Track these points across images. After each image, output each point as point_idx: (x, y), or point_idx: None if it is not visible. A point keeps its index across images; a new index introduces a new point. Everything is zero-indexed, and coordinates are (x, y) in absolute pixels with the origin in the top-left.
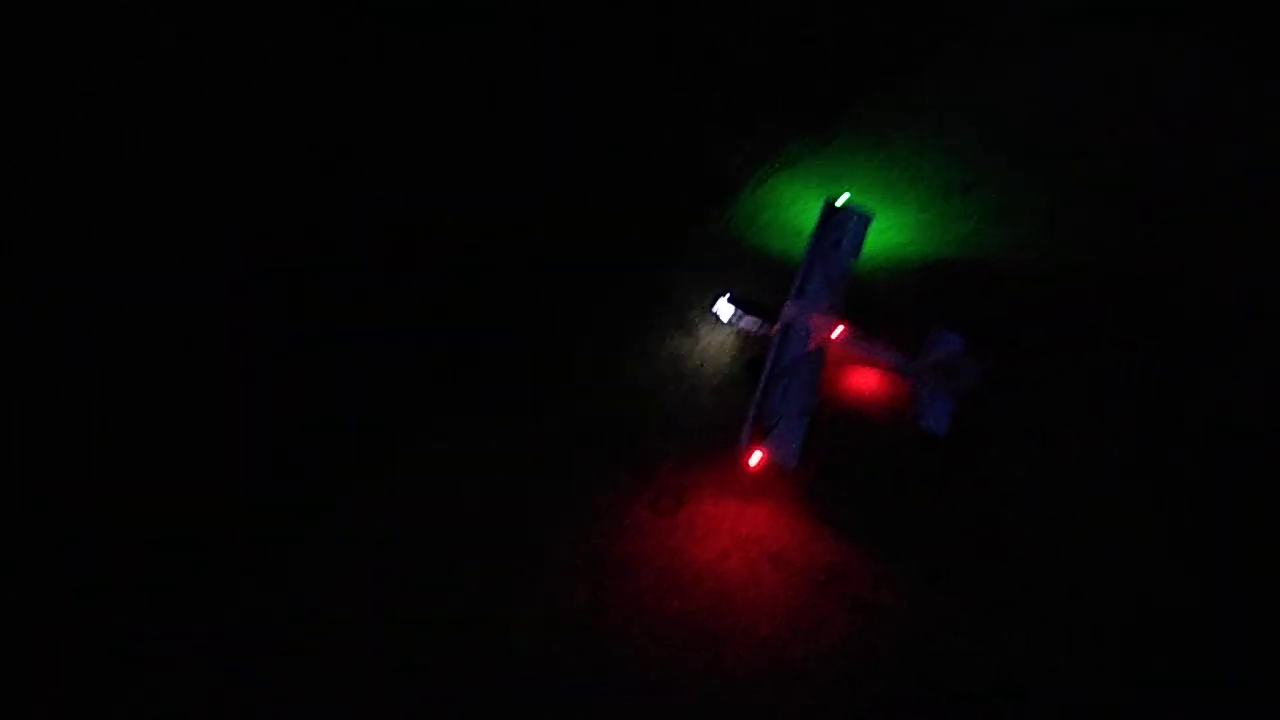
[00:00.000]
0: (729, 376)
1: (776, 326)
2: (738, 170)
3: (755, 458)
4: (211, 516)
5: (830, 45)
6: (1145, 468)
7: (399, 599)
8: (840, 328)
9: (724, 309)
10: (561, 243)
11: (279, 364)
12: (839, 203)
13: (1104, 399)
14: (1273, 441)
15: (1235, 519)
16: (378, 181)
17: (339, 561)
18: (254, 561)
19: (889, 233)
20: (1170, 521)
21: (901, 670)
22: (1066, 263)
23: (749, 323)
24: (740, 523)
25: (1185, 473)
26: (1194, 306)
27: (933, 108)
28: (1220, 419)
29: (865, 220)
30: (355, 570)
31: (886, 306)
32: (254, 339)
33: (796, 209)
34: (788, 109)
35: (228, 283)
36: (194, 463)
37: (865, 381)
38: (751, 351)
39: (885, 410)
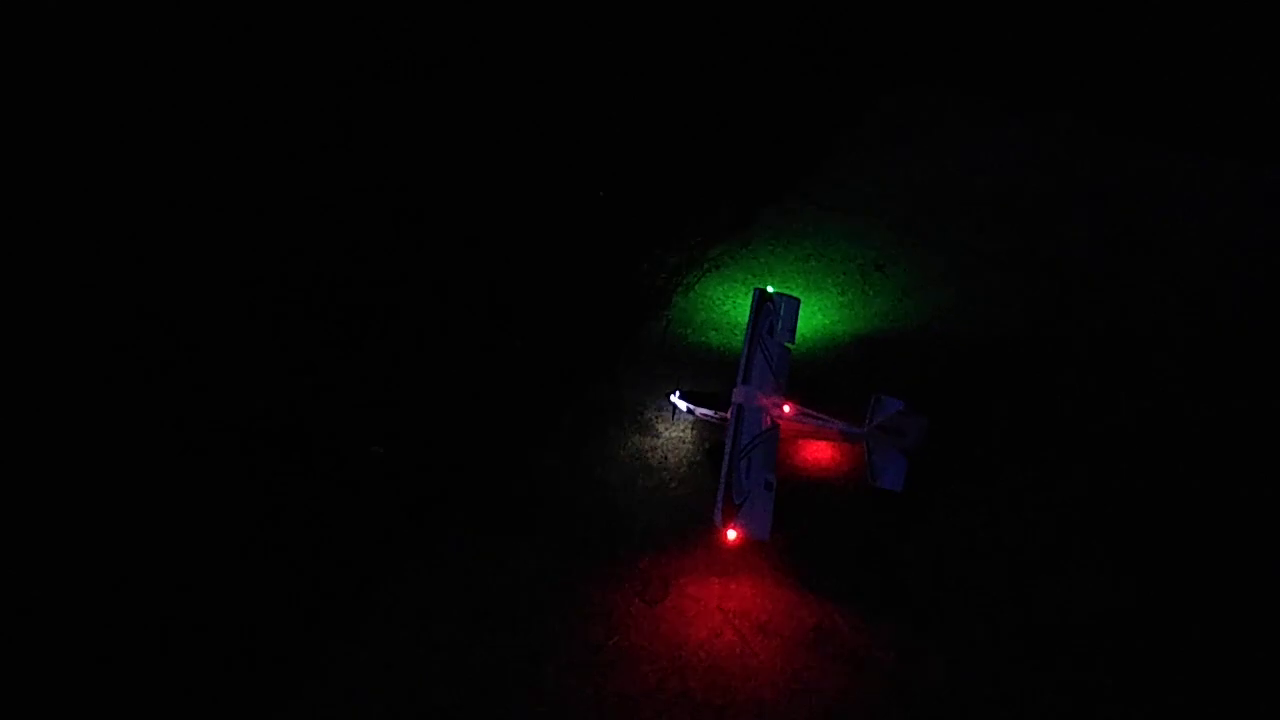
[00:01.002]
0: (692, 465)
1: (729, 412)
2: (666, 280)
3: (731, 534)
4: (212, 517)
5: (736, 155)
6: (1090, 491)
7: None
8: (788, 405)
9: (679, 403)
10: (515, 367)
11: (280, 368)
12: (769, 290)
13: (1035, 434)
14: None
15: (1178, 532)
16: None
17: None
18: (256, 563)
19: (816, 316)
20: (1123, 537)
21: (900, 716)
22: (980, 323)
23: (702, 413)
24: (726, 600)
25: (1126, 490)
26: (1102, 343)
27: (837, 202)
28: (1138, 432)
29: (794, 304)
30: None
31: (826, 381)
32: (254, 342)
33: (727, 306)
34: (705, 219)
35: (228, 286)
36: (195, 462)
37: (819, 453)
38: (709, 440)
39: (842, 476)
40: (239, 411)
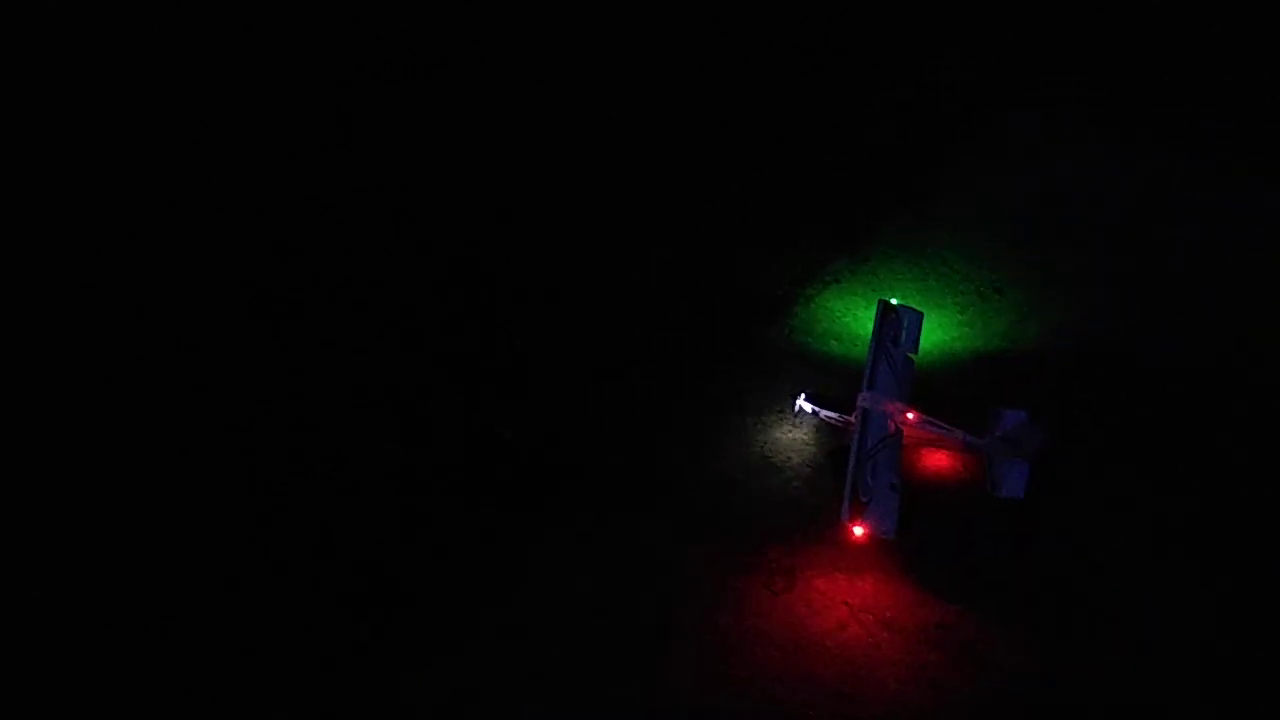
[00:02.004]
0: (815, 466)
1: (854, 416)
2: (788, 291)
3: (858, 530)
4: (214, 522)
5: (855, 173)
6: (1202, 513)
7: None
8: (911, 413)
9: (805, 405)
10: (642, 364)
11: (280, 368)
12: (893, 302)
13: (1153, 456)
14: None
15: None
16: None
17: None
18: (266, 565)
19: (936, 332)
20: (1234, 564)
21: (1019, 713)
22: (1097, 345)
23: (827, 415)
24: (851, 594)
25: (1237, 515)
26: (1223, 376)
27: (956, 221)
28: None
29: (918, 316)
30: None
31: (947, 393)
32: (254, 342)
33: (848, 318)
34: (826, 234)
35: (228, 286)
36: (199, 465)
37: (940, 460)
38: (831, 443)
39: (962, 483)
40: (239, 411)
